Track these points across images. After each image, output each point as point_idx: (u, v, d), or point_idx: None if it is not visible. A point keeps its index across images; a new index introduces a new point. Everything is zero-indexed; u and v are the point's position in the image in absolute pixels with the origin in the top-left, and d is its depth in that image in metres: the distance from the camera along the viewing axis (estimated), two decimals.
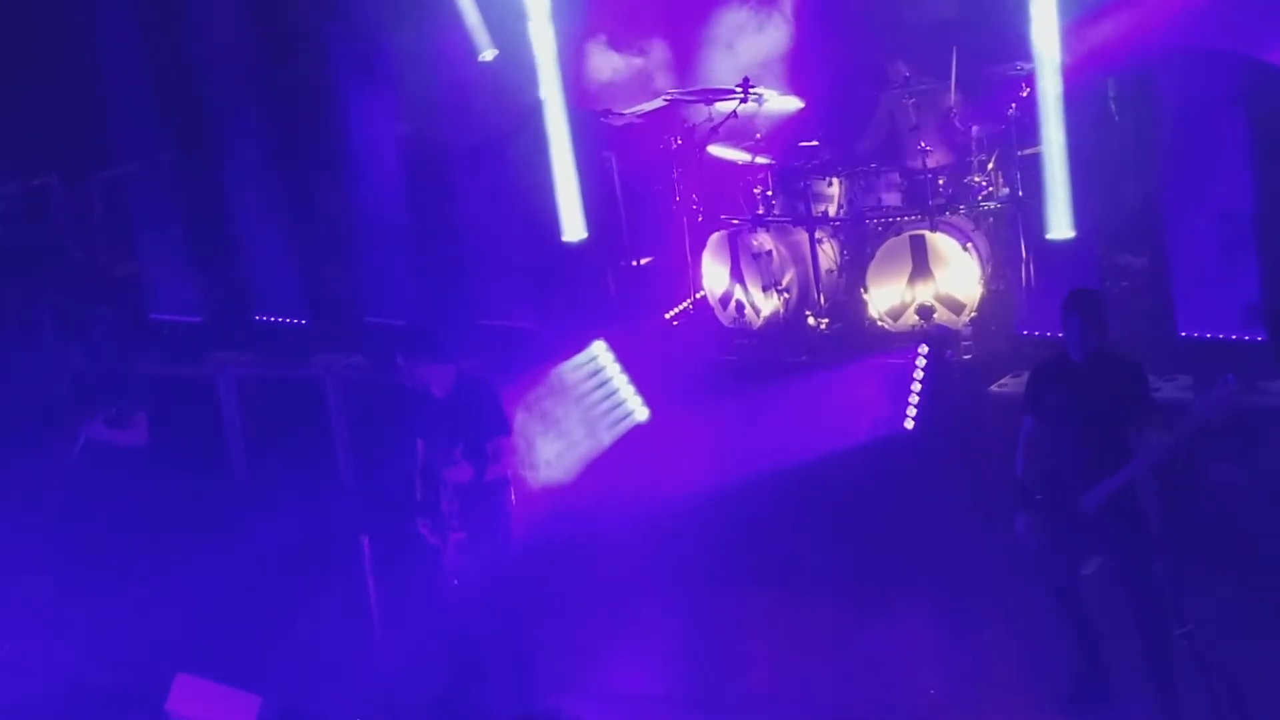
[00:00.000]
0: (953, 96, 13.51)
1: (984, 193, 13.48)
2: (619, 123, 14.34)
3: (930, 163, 13.32)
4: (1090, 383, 9.79)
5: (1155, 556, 9.84)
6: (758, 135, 13.79)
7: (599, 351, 13.56)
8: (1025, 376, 10.74)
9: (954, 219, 13.37)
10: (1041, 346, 12.36)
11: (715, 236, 13.77)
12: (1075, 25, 12.92)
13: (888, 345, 12.98)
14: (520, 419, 13.18)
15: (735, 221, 13.76)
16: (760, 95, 13.69)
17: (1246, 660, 10.15)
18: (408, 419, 10.80)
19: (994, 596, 11.40)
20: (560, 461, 13.46)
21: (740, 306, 13.59)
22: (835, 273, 13.68)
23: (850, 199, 13.57)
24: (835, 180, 13.57)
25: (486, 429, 10.44)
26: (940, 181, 13.41)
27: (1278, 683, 10.12)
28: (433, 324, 13.45)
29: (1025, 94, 13.22)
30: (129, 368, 12.45)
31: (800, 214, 13.57)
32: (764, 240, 13.50)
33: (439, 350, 10.53)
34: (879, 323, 13.36)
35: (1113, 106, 13.78)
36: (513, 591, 10.64)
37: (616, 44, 14.57)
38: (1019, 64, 13.24)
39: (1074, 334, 9.86)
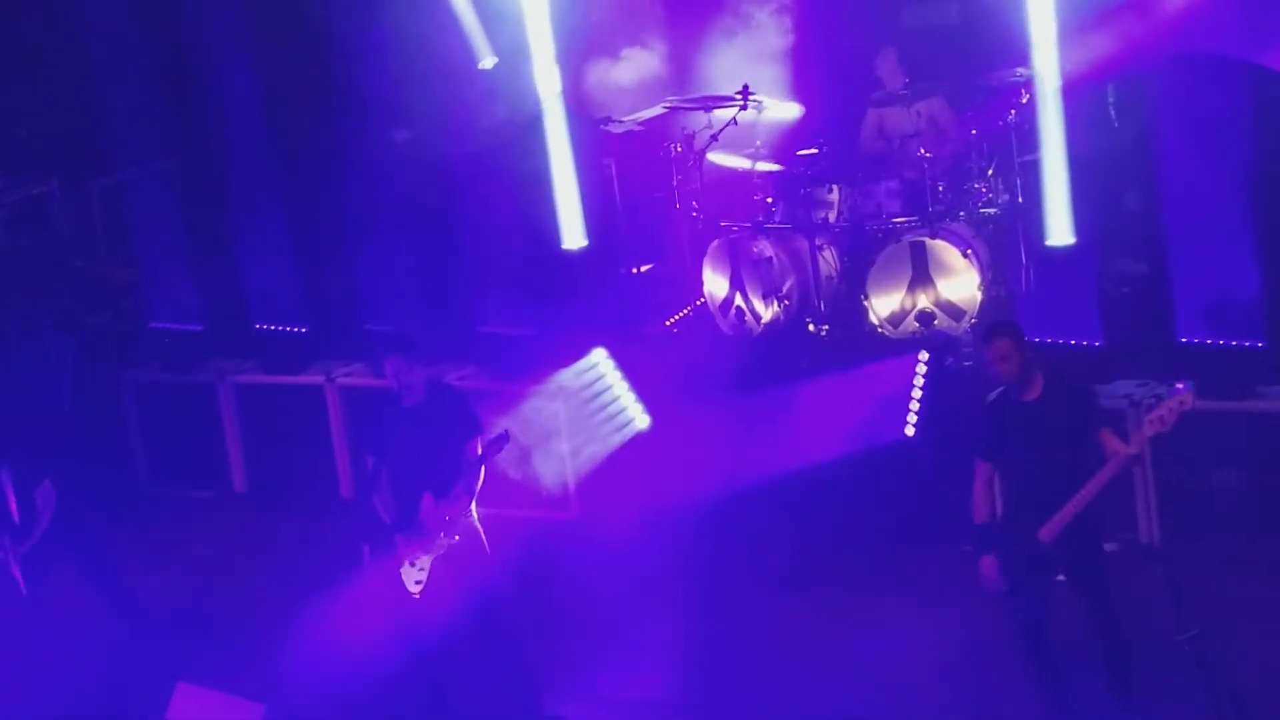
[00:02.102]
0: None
1: (984, 199, 13.50)
2: (619, 130, 14.35)
3: (929, 169, 13.33)
4: (1044, 417, 9.62)
5: (1109, 568, 9.81)
6: (758, 142, 13.80)
7: (599, 359, 13.56)
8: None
9: (954, 225, 13.38)
10: (1041, 352, 12.36)
11: (715, 244, 13.77)
12: (1074, 31, 12.94)
13: (888, 352, 12.97)
14: (519, 427, 13.18)
15: (735, 228, 13.77)
16: (760, 102, 13.71)
17: (1249, 665, 10.16)
18: (365, 431, 10.64)
19: (994, 604, 11.37)
20: (561, 469, 13.46)
21: (741, 313, 13.60)
22: (835, 280, 13.69)
23: (850, 206, 13.57)
24: (835, 187, 13.58)
25: (461, 432, 10.40)
26: (940, 188, 13.42)
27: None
28: (415, 327, 13.40)
29: (1025, 100, 13.24)
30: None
31: (800, 221, 13.58)
32: (764, 247, 13.50)
33: (421, 351, 10.45)
34: (879, 329, 13.36)
35: (1112, 112, 13.81)
36: (509, 600, 10.61)
37: (616, 51, 14.58)
38: (1018, 70, 13.27)
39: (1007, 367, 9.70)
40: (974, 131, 13.45)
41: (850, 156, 13.93)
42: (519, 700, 10.61)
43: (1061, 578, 9.82)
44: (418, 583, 10.36)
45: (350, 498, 14.12)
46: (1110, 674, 9.83)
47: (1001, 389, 9.82)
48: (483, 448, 10.42)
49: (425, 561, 10.35)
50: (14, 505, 11.16)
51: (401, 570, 10.35)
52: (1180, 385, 9.42)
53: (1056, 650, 9.98)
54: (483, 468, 10.42)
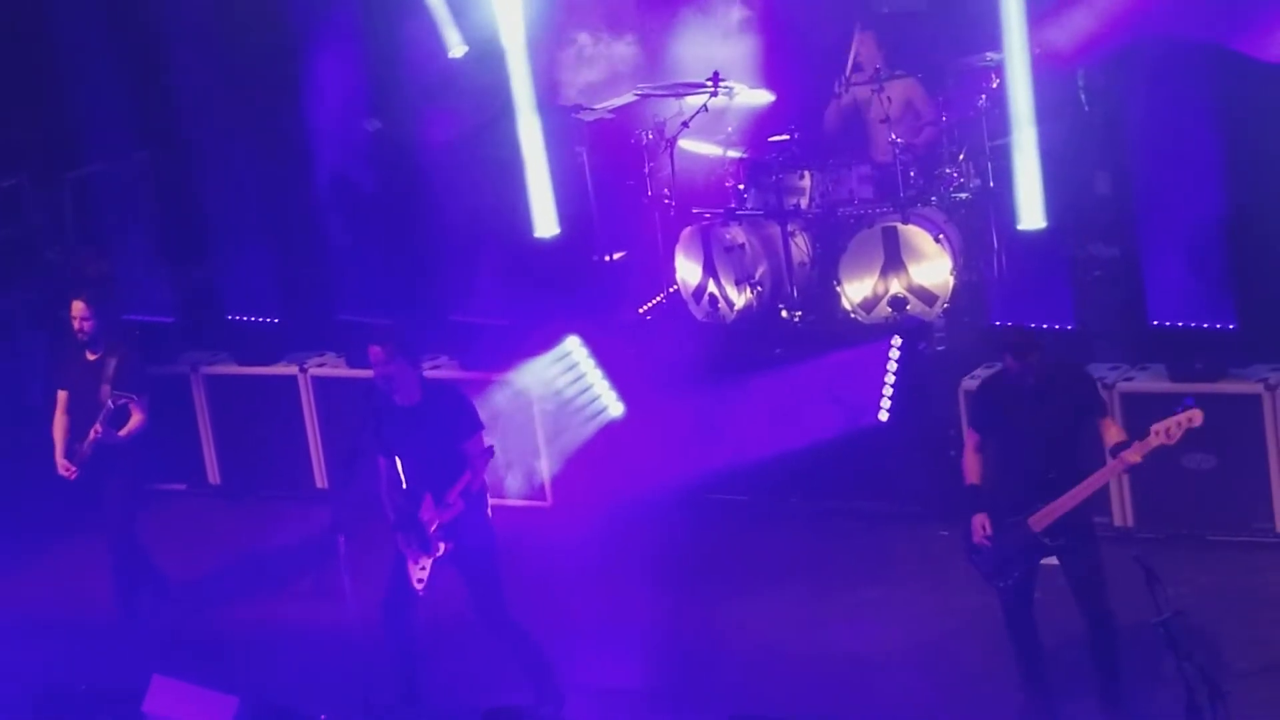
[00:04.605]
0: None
1: (955, 184, 13.51)
2: (590, 118, 14.33)
3: (901, 155, 13.33)
4: (1043, 402, 9.63)
5: (1101, 552, 9.84)
6: (729, 129, 13.80)
7: (573, 347, 13.55)
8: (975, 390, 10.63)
9: (926, 211, 13.39)
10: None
11: (687, 231, 13.77)
12: (1044, 16, 12.95)
13: (861, 338, 12.98)
14: (493, 416, 13.16)
15: (707, 216, 13.77)
16: (730, 89, 13.71)
17: (1221, 647, 10.20)
18: (373, 433, 10.62)
19: (970, 589, 11.40)
20: (535, 458, 13.45)
21: (713, 300, 13.59)
22: (808, 266, 13.69)
23: (822, 192, 13.58)
24: (807, 173, 13.58)
25: (460, 431, 10.36)
26: (911, 173, 13.43)
27: (1253, 669, 10.15)
28: (387, 317, 13.39)
29: (995, 85, 13.25)
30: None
31: (772, 207, 13.58)
32: (736, 234, 13.50)
33: (403, 345, 10.40)
34: (852, 315, 13.38)
35: (1083, 97, 13.83)
36: (502, 590, 10.61)
37: (587, 39, 14.56)
38: (988, 55, 13.28)
39: (1013, 375, 9.70)
40: (944, 117, 13.46)
41: (821, 142, 13.93)
42: (539, 690, 10.61)
43: (1054, 561, 9.84)
44: (419, 581, 10.37)
45: (326, 488, 14.12)
46: (1097, 658, 9.84)
47: (1001, 368, 9.86)
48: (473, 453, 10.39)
49: (426, 562, 10.37)
50: None
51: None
52: (1189, 399, 9.49)
53: (1040, 634, 9.99)
54: (480, 468, 10.39)
